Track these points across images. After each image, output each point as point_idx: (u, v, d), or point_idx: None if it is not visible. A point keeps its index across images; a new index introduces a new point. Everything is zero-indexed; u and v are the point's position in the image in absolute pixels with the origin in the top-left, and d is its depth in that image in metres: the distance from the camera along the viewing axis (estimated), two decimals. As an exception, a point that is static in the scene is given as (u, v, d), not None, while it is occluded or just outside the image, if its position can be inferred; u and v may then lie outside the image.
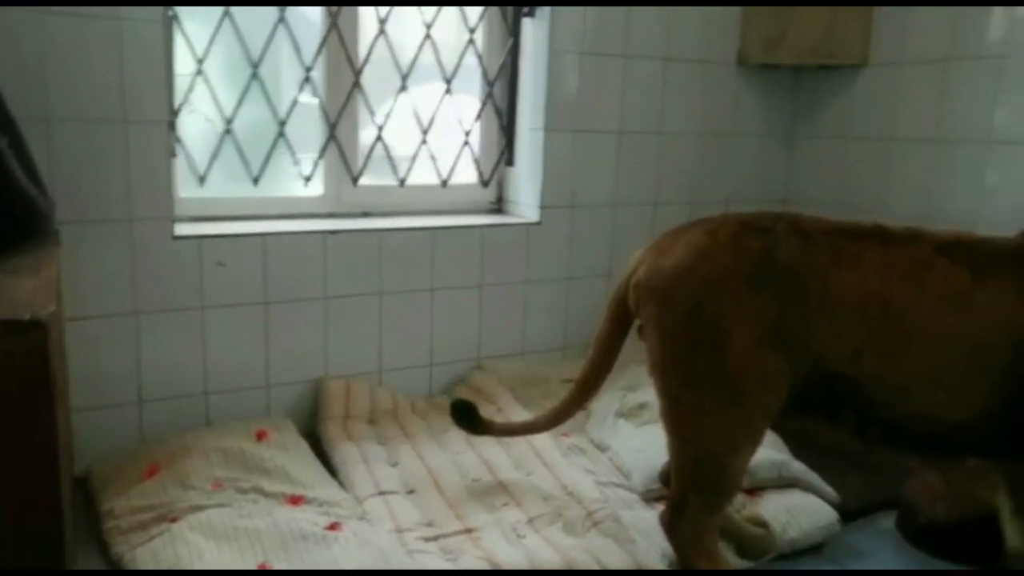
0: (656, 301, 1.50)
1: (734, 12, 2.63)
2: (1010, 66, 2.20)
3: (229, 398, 2.07)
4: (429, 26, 2.34)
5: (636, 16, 2.47)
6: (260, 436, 1.94)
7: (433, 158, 2.43)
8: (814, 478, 1.89)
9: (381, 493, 1.81)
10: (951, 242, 1.42)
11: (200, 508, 1.66)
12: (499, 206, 2.60)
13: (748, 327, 1.43)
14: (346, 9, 2.22)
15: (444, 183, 2.47)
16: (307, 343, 2.16)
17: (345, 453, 1.97)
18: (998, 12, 2.21)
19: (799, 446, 1.98)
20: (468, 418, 1.85)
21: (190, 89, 2.06)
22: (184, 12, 2.01)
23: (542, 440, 1.98)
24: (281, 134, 2.20)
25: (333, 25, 2.21)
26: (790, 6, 2.54)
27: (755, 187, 2.79)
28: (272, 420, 2.05)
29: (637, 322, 1.59)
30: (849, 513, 1.88)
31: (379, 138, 2.34)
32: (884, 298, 1.39)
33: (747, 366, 1.44)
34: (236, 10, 2.07)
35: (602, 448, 2.06)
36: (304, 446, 1.98)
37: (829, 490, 1.88)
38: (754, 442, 1.52)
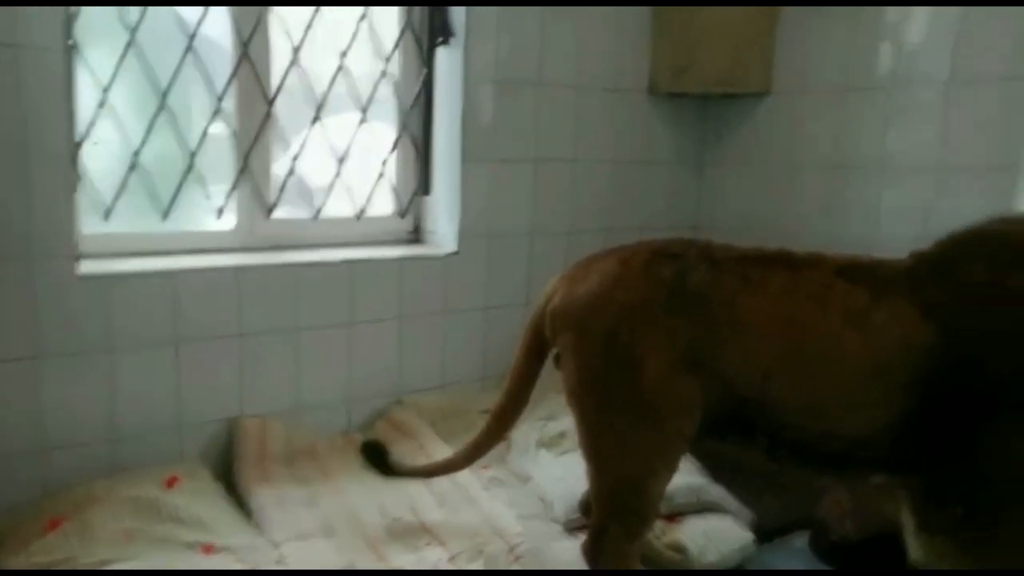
0: (572, 329, 1.52)
1: (644, 42, 2.70)
2: (898, 97, 2.33)
3: (138, 443, 1.99)
4: (343, 55, 2.32)
5: (548, 45, 2.51)
6: (171, 482, 1.87)
7: (349, 189, 2.41)
8: (730, 501, 1.94)
9: (299, 537, 1.76)
10: (849, 265, 1.48)
11: (108, 562, 1.58)
12: (417, 236, 2.59)
13: (662, 352, 1.45)
14: (258, 38, 2.19)
15: (360, 215, 2.45)
16: (221, 383, 2.10)
17: (261, 496, 1.91)
18: (886, 46, 2.35)
19: (715, 468, 2.02)
20: (379, 460, 1.81)
21: (94, 120, 1.98)
22: (87, 41, 1.94)
23: (463, 474, 1.97)
24: (191, 166, 2.14)
25: (244, 54, 2.17)
26: (695, 36, 2.63)
27: (667, 214, 2.85)
28: (184, 465, 1.98)
29: (554, 351, 1.60)
30: (766, 533, 1.93)
31: (293, 169, 2.30)
32: (791, 321, 1.44)
33: (662, 391, 1.46)
34: (143, 38, 2.01)
35: (523, 479, 2.06)
36: (218, 491, 1.92)
37: (745, 512, 1.93)
38: (671, 467, 1.55)
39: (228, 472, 2.04)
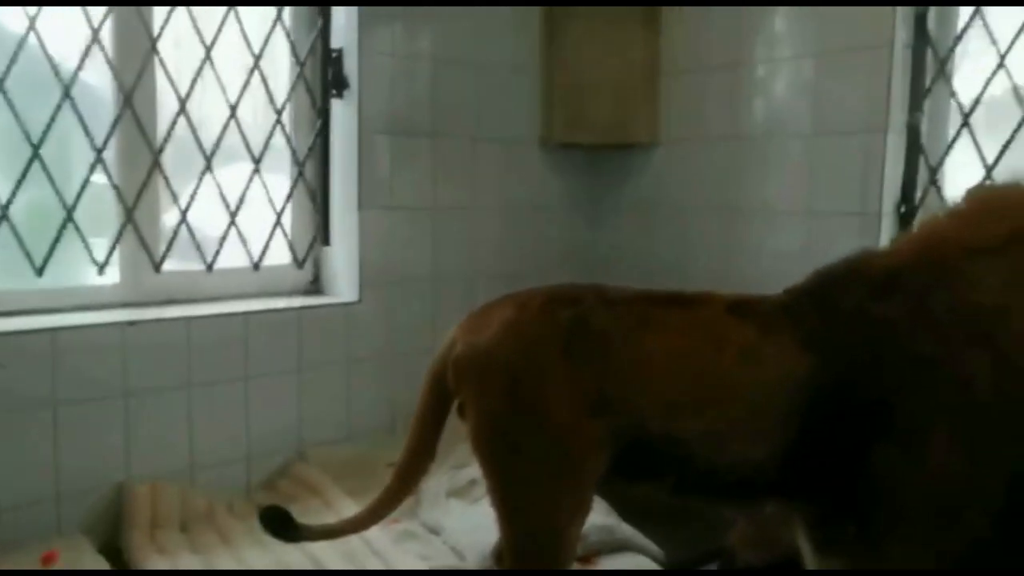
0: (474, 377, 1.50)
1: (535, 94, 2.78)
2: (771, 147, 2.48)
3: (7, 518, 1.82)
4: (234, 106, 2.28)
5: (442, 97, 2.54)
6: (47, 559, 1.71)
7: (243, 240, 2.34)
8: (640, 538, 1.96)
9: (196, 608, 1.65)
10: (736, 302, 1.54)
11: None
12: (317, 286, 2.53)
13: (566, 396, 1.46)
14: (144, 85, 2.12)
15: (256, 265, 2.38)
16: (106, 445, 1.96)
17: (152, 567, 1.78)
18: (758, 100, 2.51)
19: (621, 509, 2.04)
20: (282, 526, 1.72)
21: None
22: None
23: (372, 529, 1.90)
24: (69, 219, 2.03)
25: (127, 103, 2.09)
26: (583, 90, 2.72)
27: (563, 259, 2.89)
28: (63, 539, 1.82)
29: (457, 401, 1.58)
30: (677, 565, 1.95)
31: (183, 221, 2.22)
32: (689, 357, 1.48)
33: (568, 434, 1.46)
34: (15, 86, 1.91)
35: (435, 531, 2.01)
36: (102, 565, 1.77)
37: (655, 548, 1.95)
38: (584, 510, 1.54)
39: (114, 545, 1.89)
